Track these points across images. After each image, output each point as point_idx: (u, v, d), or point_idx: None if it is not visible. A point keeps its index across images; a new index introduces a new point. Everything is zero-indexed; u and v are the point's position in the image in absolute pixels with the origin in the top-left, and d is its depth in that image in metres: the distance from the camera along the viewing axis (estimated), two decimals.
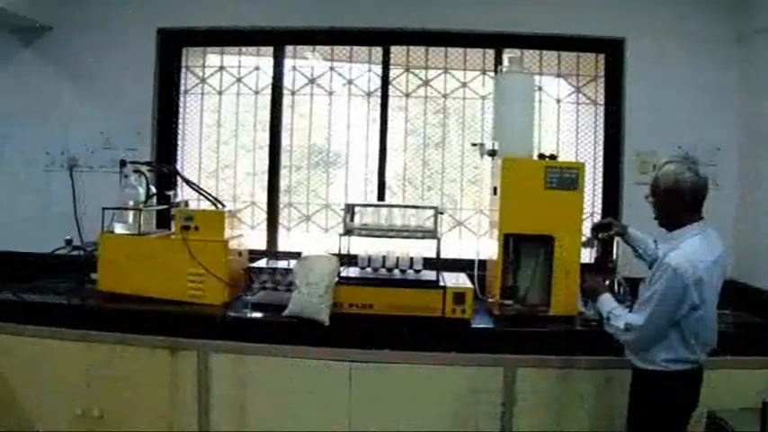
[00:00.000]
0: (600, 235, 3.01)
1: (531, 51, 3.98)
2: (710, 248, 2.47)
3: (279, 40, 4.05)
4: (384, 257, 3.29)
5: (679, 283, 2.36)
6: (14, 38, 4.02)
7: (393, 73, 4.03)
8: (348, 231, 3.24)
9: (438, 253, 3.16)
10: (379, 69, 4.02)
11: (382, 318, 3.06)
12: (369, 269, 3.29)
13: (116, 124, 3.97)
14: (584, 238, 3.15)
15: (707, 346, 2.52)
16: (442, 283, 3.12)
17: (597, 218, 3.90)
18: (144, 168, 3.47)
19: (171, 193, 3.61)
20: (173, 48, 4.08)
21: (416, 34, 3.96)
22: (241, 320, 3.12)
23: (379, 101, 4.03)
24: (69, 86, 4.01)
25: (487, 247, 3.49)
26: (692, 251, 2.41)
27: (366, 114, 4.06)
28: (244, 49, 4.13)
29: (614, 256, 3.20)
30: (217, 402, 3.07)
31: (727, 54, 3.77)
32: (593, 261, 3.15)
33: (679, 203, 2.50)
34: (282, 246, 4.09)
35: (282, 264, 3.35)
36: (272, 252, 3.97)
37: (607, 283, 3.00)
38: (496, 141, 3.26)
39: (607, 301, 2.66)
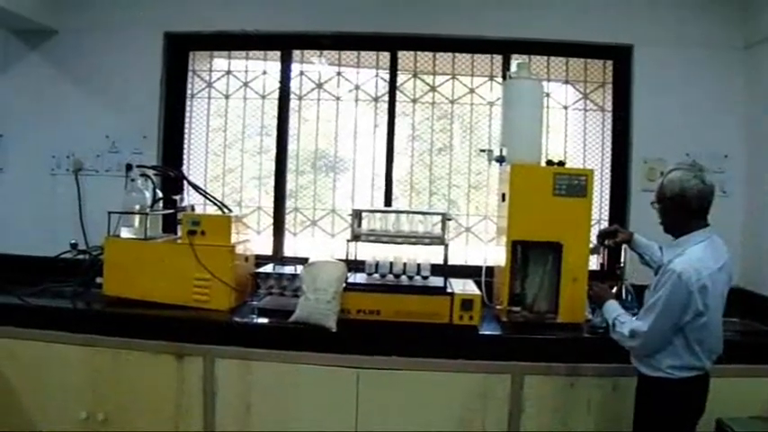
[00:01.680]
0: (606, 242, 3.01)
1: (538, 57, 3.98)
2: (715, 255, 2.47)
3: (286, 44, 4.05)
4: (391, 263, 3.29)
5: (683, 290, 2.36)
6: (20, 41, 4.01)
7: (400, 78, 4.03)
8: (355, 237, 3.23)
9: (445, 259, 3.16)
10: (386, 75, 4.02)
11: (390, 324, 3.06)
12: (376, 275, 3.28)
13: (122, 128, 3.96)
14: (591, 245, 3.15)
15: (713, 354, 2.52)
16: (449, 290, 3.12)
17: (604, 225, 3.89)
18: (150, 172, 3.46)
19: (177, 197, 3.60)
20: (180, 51, 4.07)
21: (424, 40, 3.95)
22: (247, 326, 3.11)
23: (383, 106, 4.03)
24: (75, 90, 4.00)
25: (495, 254, 3.48)
26: (697, 258, 2.41)
27: (372, 119, 4.05)
28: (251, 53, 4.12)
29: (622, 263, 3.20)
30: (222, 408, 3.06)
31: (735, 61, 3.77)
32: (599, 268, 3.15)
33: (685, 210, 2.50)
34: (288, 251, 4.08)
35: (289, 269, 3.33)
36: (278, 257, 3.95)
37: (614, 289, 3.01)
38: (504, 147, 3.25)
39: (613, 308, 2.66)
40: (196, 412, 3.07)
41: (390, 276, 3.28)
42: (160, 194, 3.52)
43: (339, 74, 4.08)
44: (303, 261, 3.28)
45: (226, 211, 3.48)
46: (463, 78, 4.04)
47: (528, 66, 3.45)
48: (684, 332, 2.42)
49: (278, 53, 4.08)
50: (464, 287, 3.22)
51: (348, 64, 4.07)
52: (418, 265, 3.28)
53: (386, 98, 4.02)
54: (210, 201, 3.53)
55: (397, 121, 4.02)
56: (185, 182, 3.65)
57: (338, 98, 4.08)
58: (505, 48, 3.94)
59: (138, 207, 3.37)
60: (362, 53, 4.05)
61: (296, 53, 4.09)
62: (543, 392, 2.98)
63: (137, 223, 3.37)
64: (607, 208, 3.96)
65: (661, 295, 2.40)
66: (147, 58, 3.97)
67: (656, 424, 2.53)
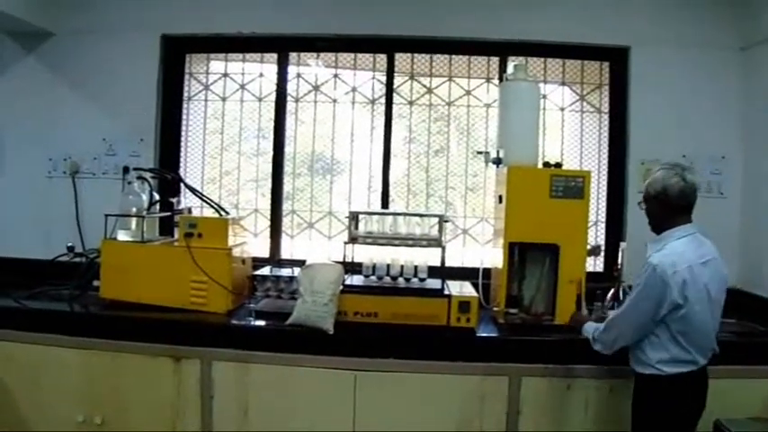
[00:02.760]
0: None
1: (535, 59, 3.99)
2: (700, 251, 2.50)
3: (283, 46, 4.05)
4: (388, 266, 3.28)
5: (658, 282, 2.40)
6: (17, 44, 4.00)
7: (397, 80, 4.02)
8: (352, 239, 3.22)
9: (443, 261, 3.15)
10: (383, 77, 4.01)
11: (387, 326, 3.05)
12: (373, 277, 3.28)
13: (119, 130, 3.96)
14: (588, 247, 3.15)
15: (705, 350, 2.53)
16: (446, 292, 3.11)
17: (601, 226, 3.92)
18: (147, 175, 3.46)
19: (174, 199, 3.60)
20: (176, 54, 4.07)
21: (421, 42, 3.96)
22: (244, 328, 3.10)
23: (380, 108, 4.03)
24: (72, 92, 3.99)
25: (492, 256, 3.48)
26: (678, 252, 2.46)
27: (369, 121, 4.05)
28: (248, 55, 4.13)
29: (619, 265, 3.21)
30: (220, 410, 3.05)
31: (732, 63, 3.78)
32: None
33: (667, 208, 2.55)
34: (285, 253, 4.08)
35: (286, 271, 3.32)
36: (275, 260, 3.95)
37: (612, 291, 3.02)
38: (501, 149, 3.25)
39: (589, 325, 2.74)
40: (193, 415, 3.06)
41: (387, 278, 3.28)
42: (157, 197, 3.52)
43: (336, 76, 4.08)
44: (300, 263, 3.28)
45: (223, 213, 3.47)
46: (460, 80, 4.05)
47: (525, 68, 3.43)
48: (666, 323, 2.45)
49: (274, 55, 4.08)
50: (461, 289, 3.22)
51: (345, 66, 4.08)
52: (415, 267, 3.28)
53: (382, 100, 4.02)
54: (207, 203, 3.53)
55: (393, 123, 4.02)
56: (182, 184, 3.64)
57: (335, 100, 4.08)
58: (502, 50, 3.95)
59: (134, 210, 3.36)
60: (359, 55, 4.05)
61: (292, 55, 4.09)
62: (540, 394, 2.98)
63: (134, 226, 3.36)
64: (604, 209, 3.96)
65: (638, 284, 2.47)
66: (143, 60, 3.96)
67: (652, 423, 2.54)
